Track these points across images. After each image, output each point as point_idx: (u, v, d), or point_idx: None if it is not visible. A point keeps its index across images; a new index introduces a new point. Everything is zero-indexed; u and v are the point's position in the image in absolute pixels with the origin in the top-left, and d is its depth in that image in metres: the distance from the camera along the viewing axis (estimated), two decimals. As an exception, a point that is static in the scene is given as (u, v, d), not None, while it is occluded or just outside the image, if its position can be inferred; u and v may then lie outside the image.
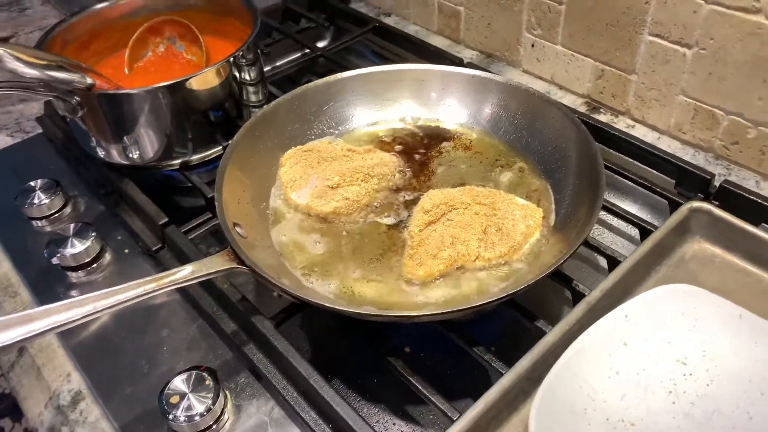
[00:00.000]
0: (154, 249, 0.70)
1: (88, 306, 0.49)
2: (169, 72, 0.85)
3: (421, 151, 0.77)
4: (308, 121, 0.78)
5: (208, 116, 0.76)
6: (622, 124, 0.87)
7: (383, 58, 1.05)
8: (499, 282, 0.60)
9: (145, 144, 0.74)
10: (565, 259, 0.55)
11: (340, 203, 0.68)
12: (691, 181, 0.72)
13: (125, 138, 0.73)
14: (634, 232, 0.73)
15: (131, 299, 0.51)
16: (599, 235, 0.74)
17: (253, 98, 0.82)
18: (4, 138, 0.94)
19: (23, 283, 0.71)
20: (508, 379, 0.49)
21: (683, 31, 0.76)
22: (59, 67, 0.64)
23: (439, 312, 0.53)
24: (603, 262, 0.68)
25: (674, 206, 0.70)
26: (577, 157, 0.68)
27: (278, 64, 1.03)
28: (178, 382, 0.55)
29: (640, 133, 0.84)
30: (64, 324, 0.49)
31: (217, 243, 0.75)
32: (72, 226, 0.72)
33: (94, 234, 0.71)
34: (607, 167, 0.65)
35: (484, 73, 0.78)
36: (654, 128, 0.85)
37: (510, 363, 0.51)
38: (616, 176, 0.74)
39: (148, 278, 0.53)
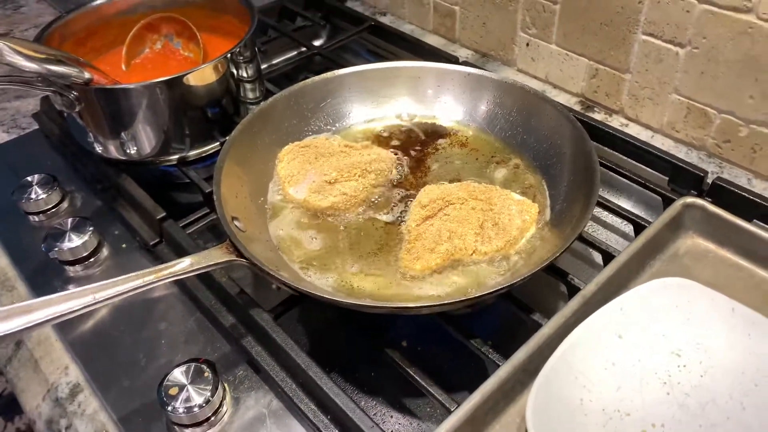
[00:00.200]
0: (151, 243, 0.70)
1: (87, 297, 0.50)
2: (166, 69, 0.86)
3: (417, 147, 0.77)
4: (305, 117, 0.78)
5: (206, 112, 0.77)
6: (615, 122, 0.88)
7: (379, 57, 1.05)
8: (495, 276, 0.61)
9: (143, 139, 0.75)
10: (560, 252, 0.56)
11: (338, 198, 0.68)
12: (684, 178, 0.73)
13: (123, 133, 0.74)
14: (628, 229, 0.74)
15: (131, 290, 0.52)
16: (594, 231, 0.75)
17: (250, 95, 0.83)
18: (-1, 134, 0.94)
19: (20, 277, 0.71)
20: (504, 370, 0.49)
21: (676, 31, 0.77)
22: (58, 61, 0.64)
23: (437, 304, 0.53)
24: (598, 257, 0.69)
25: (668, 203, 0.70)
26: (572, 154, 0.69)
27: (274, 62, 1.03)
28: (178, 374, 0.55)
29: (634, 131, 0.85)
30: (64, 314, 0.49)
31: (215, 238, 0.75)
32: (69, 220, 0.72)
33: (91, 228, 0.71)
34: (601, 164, 0.66)
35: (479, 70, 0.79)
36: (647, 127, 0.86)
37: (507, 355, 0.51)
38: (610, 173, 0.75)
39: (147, 270, 0.53)
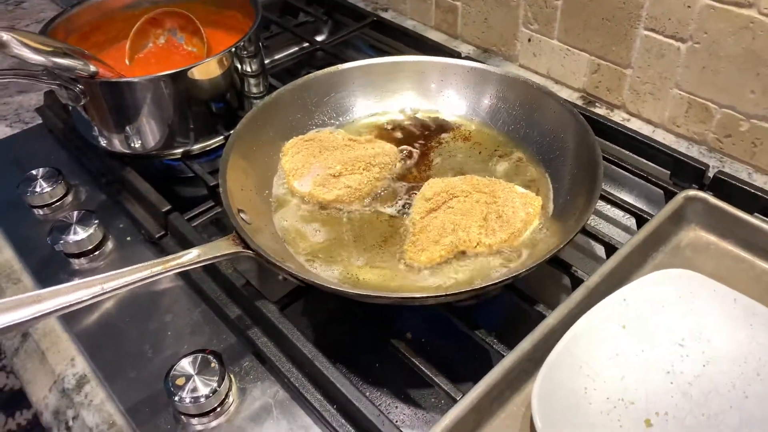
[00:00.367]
0: (157, 236, 0.71)
1: (96, 287, 0.50)
2: (170, 63, 0.86)
3: (420, 141, 0.78)
4: (310, 111, 0.78)
5: (210, 106, 0.77)
6: (617, 117, 0.88)
7: (381, 52, 1.06)
8: (499, 267, 0.61)
9: (147, 133, 0.75)
10: (564, 244, 0.56)
11: (343, 191, 0.69)
12: (686, 172, 0.74)
13: (127, 127, 0.74)
14: (630, 223, 0.75)
15: (139, 281, 0.52)
16: (597, 224, 0.75)
17: (254, 90, 0.83)
18: (3, 128, 0.94)
19: (26, 270, 0.71)
20: (510, 359, 0.50)
21: (678, 26, 0.77)
22: (64, 54, 0.64)
23: (442, 294, 0.54)
24: (600, 251, 0.70)
25: (669, 196, 0.71)
26: (575, 147, 0.69)
27: (277, 57, 1.04)
28: (185, 364, 0.56)
29: (635, 126, 0.86)
30: (73, 304, 0.49)
31: (219, 232, 0.75)
32: (75, 213, 0.72)
33: (96, 221, 0.72)
34: (603, 158, 0.66)
35: (482, 65, 0.80)
36: (648, 122, 0.87)
37: (511, 346, 0.52)
38: (612, 167, 0.76)
39: (155, 261, 0.54)
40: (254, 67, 0.81)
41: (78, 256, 0.71)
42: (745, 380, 0.50)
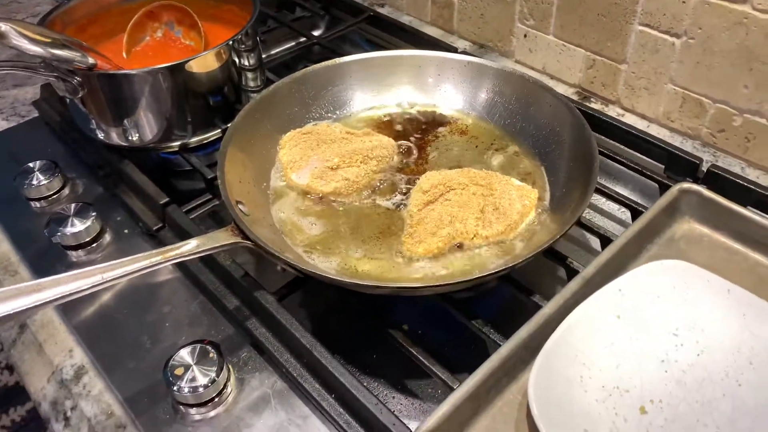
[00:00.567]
0: (154, 229, 0.71)
1: (96, 276, 0.50)
2: (167, 57, 0.86)
3: (418, 135, 0.78)
4: (307, 104, 0.79)
5: (208, 99, 0.77)
6: (612, 112, 0.89)
7: (378, 47, 1.06)
8: (496, 259, 0.62)
9: (145, 125, 0.75)
10: (560, 235, 0.57)
11: (340, 184, 0.69)
12: (680, 166, 0.74)
13: (125, 119, 0.74)
14: (625, 216, 0.75)
15: (138, 270, 0.52)
16: (592, 217, 0.76)
17: (251, 84, 0.83)
18: (-1, 122, 0.94)
19: (23, 262, 0.71)
20: (507, 347, 0.50)
21: (672, 21, 0.78)
22: (62, 46, 0.64)
23: (439, 284, 0.54)
24: (596, 243, 0.70)
25: (664, 189, 0.71)
26: (571, 141, 0.70)
27: (274, 51, 1.04)
28: (184, 354, 0.56)
29: (630, 121, 0.86)
30: (73, 293, 0.49)
31: (216, 225, 0.75)
32: (72, 206, 0.72)
33: (94, 214, 0.72)
34: (599, 152, 0.67)
35: (479, 59, 0.80)
36: (643, 117, 0.88)
37: (507, 336, 0.52)
38: (607, 161, 0.76)
39: (154, 251, 0.54)
40: (252, 60, 0.81)
41: (75, 248, 0.71)
42: (738, 369, 0.51)
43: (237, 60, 0.78)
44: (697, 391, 0.50)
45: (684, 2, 0.76)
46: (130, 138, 0.76)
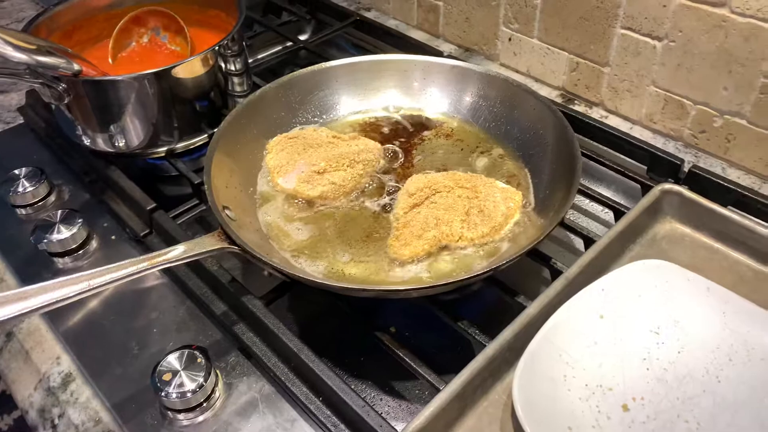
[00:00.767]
0: (141, 234, 0.71)
1: (82, 283, 0.50)
2: (153, 62, 0.86)
3: (404, 138, 0.79)
4: (293, 109, 0.79)
5: (194, 105, 0.78)
6: (595, 114, 0.90)
7: (364, 51, 1.07)
8: (481, 260, 0.63)
9: (131, 131, 0.75)
10: (544, 236, 0.57)
11: (327, 188, 0.69)
12: (662, 167, 0.75)
13: (111, 125, 0.74)
14: (609, 217, 0.76)
15: (125, 277, 0.52)
16: (576, 219, 0.77)
17: (237, 88, 0.84)
18: (-17, 129, 0.93)
19: (9, 269, 0.71)
20: (492, 348, 0.51)
21: (653, 24, 0.79)
22: (47, 52, 0.64)
23: (425, 286, 0.55)
24: (579, 244, 0.71)
25: (646, 190, 0.73)
26: (554, 143, 0.71)
27: (260, 56, 1.04)
28: (171, 360, 0.56)
29: (614, 123, 0.88)
30: (59, 300, 0.49)
31: (203, 230, 0.76)
32: (59, 212, 0.72)
33: (80, 220, 0.72)
34: (582, 154, 0.68)
35: (463, 63, 0.81)
36: (626, 118, 0.89)
37: (493, 337, 0.53)
38: (590, 162, 0.77)
39: (141, 257, 0.54)
40: (238, 65, 0.81)
41: (62, 255, 0.71)
42: (718, 365, 0.52)
43: (223, 65, 0.78)
44: (678, 388, 0.51)
45: (664, 6, 0.77)
46: (116, 144, 0.76)
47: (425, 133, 0.79)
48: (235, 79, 0.82)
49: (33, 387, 0.61)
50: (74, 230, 0.71)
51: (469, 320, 0.59)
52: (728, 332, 0.54)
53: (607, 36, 0.85)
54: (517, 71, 0.99)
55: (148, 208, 0.70)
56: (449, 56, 0.91)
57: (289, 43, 1.04)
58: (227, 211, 0.63)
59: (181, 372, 0.56)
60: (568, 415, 0.49)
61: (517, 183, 0.71)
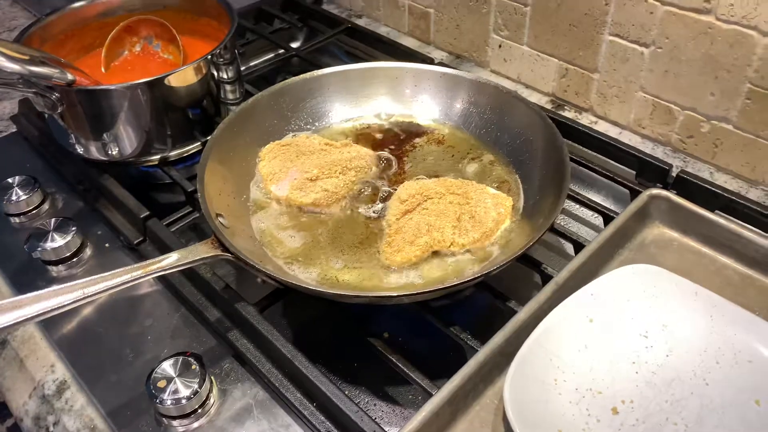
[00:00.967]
0: (135, 242, 0.71)
1: (77, 292, 0.51)
2: (146, 71, 0.87)
3: (395, 145, 0.80)
4: (286, 117, 0.80)
5: (187, 113, 0.78)
6: (585, 120, 0.91)
7: (356, 58, 1.08)
8: (473, 266, 0.63)
9: (125, 140, 0.76)
10: (534, 241, 0.58)
11: (320, 194, 0.70)
12: (650, 172, 0.76)
13: (105, 134, 0.74)
14: (598, 222, 0.77)
15: (119, 285, 0.53)
16: (566, 224, 0.78)
17: (230, 96, 0.84)
18: (-24, 137, 0.93)
19: (3, 278, 0.71)
20: (483, 353, 0.52)
21: (641, 31, 0.81)
22: (40, 62, 0.65)
23: (417, 292, 0.55)
24: (569, 249, 0.72)
25: (635, 195, 0.73)
26: (544, 150, 0.72)
27: (252, 63, 1.05)
28: (166, 367, 0.57)
29: (603, 128, 0.89)
30: (54, 309, 0.50)
31: (196, 238, 0.76)
32: (52, 220, 0.72)
33: (74, 228, 0.72)
34: (571, 159, 0.69)
35: (454, 70, 0.82)
36: (615, 124, 0.90)
37: (485, 341, 0.54)
38: (580, 168, 0.78)
39: (135, 265, 0.54)
40: (230, 73, 0.82)
41: (56, 263, 0.71)
42: (706, 368, 0.53)
43: (216, 73, 0.79)
44: (666, 391, 0.52)
45: (651, 13, 0.78)
46: (109, 152, 0.76)
47: (417, 139, 0.80)
48: (228, 87, 0.83)
49: (28, 395, 0.61)
50: (68, 238, 0.71)
51: (461, 325, 0.60)
52: (715, 335, 0.55)
53: (596, 43, 0.86)
54: (507, 78, 1.00)
55: (142, 215, 0.71)
56: (440, 63, 0.92)
57: (282, 51, 1.05)
58: (221, 219, 0.63)
59: (176, 379, 0.56)
60: (558, 418, 0.50)
61: (508, 189, 0.72)
